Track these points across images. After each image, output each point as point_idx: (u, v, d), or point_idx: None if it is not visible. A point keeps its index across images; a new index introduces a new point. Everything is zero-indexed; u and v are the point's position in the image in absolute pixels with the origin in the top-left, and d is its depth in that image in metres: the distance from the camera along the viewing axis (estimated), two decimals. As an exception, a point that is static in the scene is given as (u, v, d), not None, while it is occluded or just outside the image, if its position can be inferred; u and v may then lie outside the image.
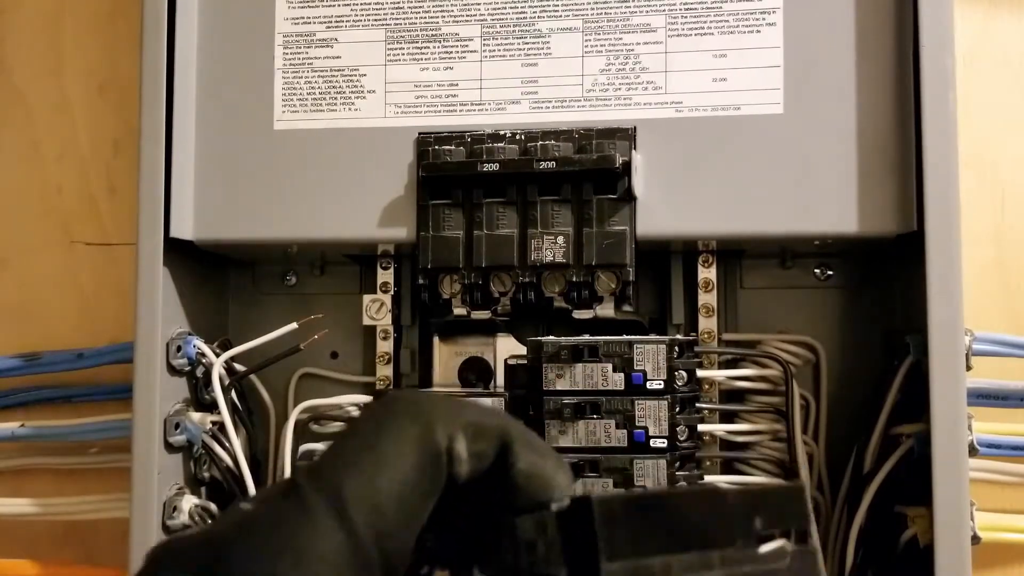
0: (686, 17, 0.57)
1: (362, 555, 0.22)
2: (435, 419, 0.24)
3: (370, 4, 0.59)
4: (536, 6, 0.58)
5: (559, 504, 0.23)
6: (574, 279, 0.56)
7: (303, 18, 0.60)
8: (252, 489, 0.59)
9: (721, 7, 0.56)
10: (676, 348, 0.55)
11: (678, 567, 0.23)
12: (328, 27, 0.60)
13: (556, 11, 0.58)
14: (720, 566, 0.23)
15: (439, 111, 0.58)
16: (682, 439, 0.55)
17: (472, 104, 0.58)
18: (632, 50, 0.57)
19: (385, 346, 0.64)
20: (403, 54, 0.59)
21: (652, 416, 0.54)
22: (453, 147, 0.57)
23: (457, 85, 0.58)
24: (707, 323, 0.60)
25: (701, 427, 0.57)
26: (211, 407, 0.61)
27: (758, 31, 0.56)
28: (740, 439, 0.59)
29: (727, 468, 0.60)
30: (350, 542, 0.22)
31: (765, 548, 0.24)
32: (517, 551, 0.23)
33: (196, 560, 0.22)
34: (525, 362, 0.56)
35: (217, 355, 0.60)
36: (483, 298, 0.57)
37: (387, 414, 0.25)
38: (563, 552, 0.22)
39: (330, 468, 0.24)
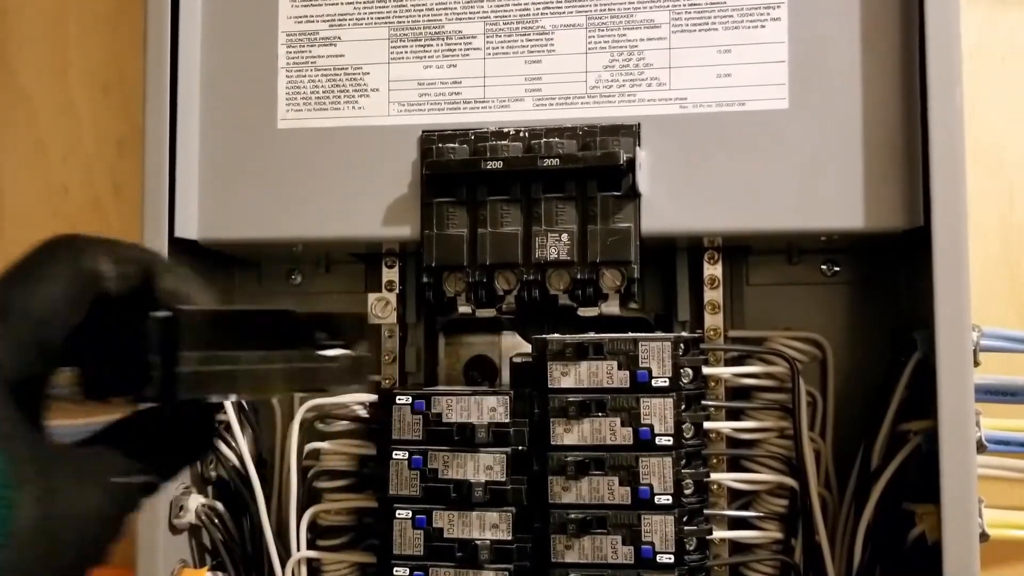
0: (690, 13, 0.56)
1: (15, 338, 0.29)
2: (83, 248, 0.32)
3: (373, 2, 0.59)
4: (539, 3, 0.58)
5: (164, 313, 0.29)
6: (579, 276, 0.56)
7: (306, 16, 0.60)
8: (258, 488, 0.59)
9: (725, 2, 0.56)
10: (681, 345, 0.54)
11: (244, 357, 0.31)
12: (331, 25, 0.60)
13: (559, 8, 0.57)
14: (280, 360, 0.32)
15: (443, 109, 0.58)
16: (688, 436, 0.54)
17: (476, 102, 0.58)
18: (636, 46, 0.57)
19: (390, 344, 0.64)
20: (406, 52, 0.59)
21: (657, 414, 0.53)
22: (457, 145, 0.57)
23: (460, 83, 0.58)
24: (713, 320, 0.60)
25: (707, 424, 0.57)
26: (217, 407, 0.61)
27: (763, 26, 0.56)
28: (746, 436, 0.59)
29: (733, 465, 0.60)
30: (8, 336, 0.29)
31: (326, 352, 0.33)
32: (131, 342, 0.30)
33: None
34: (530, 360, 0.56)
35: (222, 354, 0.60)
36: (488, 296, 0.57)
37: (43, 247, 0.33)
38: (159, 344, 0.29)
39: None
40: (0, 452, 0.28)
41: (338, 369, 0.35)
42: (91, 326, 0.31)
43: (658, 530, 0.53)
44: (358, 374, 0.37)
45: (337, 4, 0.60)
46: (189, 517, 0.59)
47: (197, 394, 0.30)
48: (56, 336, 0.31)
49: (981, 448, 0.54)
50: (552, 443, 0.55)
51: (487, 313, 0.58)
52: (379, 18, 0.59)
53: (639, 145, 0.56)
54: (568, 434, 0.54)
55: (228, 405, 0.59)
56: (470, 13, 0.58)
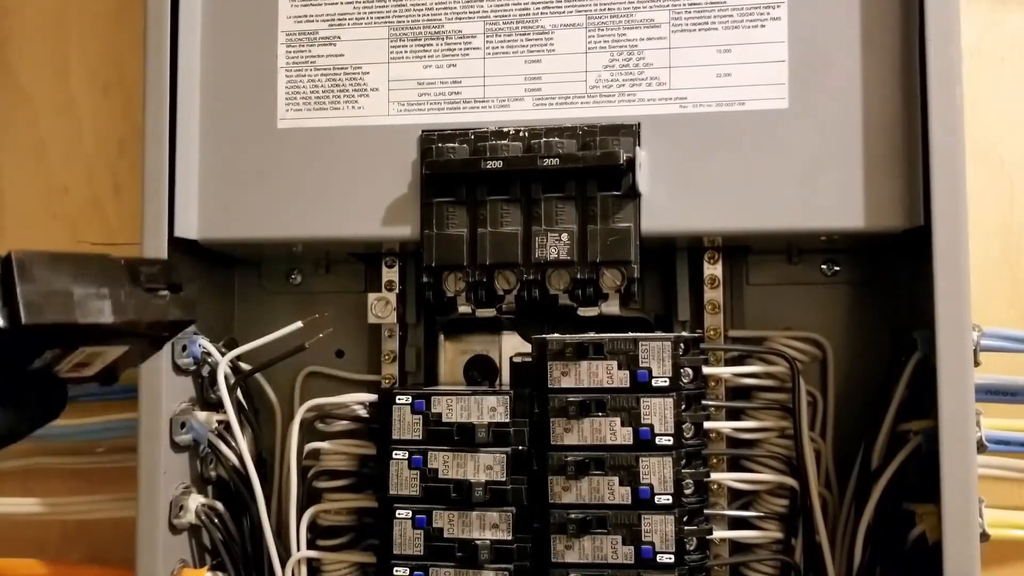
0: (690, 12, 0.56)
1: None
2: None
3: (372, 2, 0.59)
4: (539, 3, 0.58)
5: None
6: (579, 276, 0.56)
7: (306, 16, 0.60)
8: (258, 488, 0.59)
9: (725, 2, 0.56)
10: (682, 345, 0.54)
11: (79, 290, 0.35)
12: (331, 25, 0.60)
13: (559, 7, 0.57)
14: (109, 296, 0.37)
15: (442, 109, 0.58)
16: (688, 436, 0.54)
17: (475, 101, 0.58)
18: (636, 46, 0.57)
19: (391, 344, 0.64)
20: (406, 52, 0.59)
21: (658, 414, 0.53)
22: (457, 145, 0.57)
23: (460, 82, 0.58)
24: (713, 320, 0.60)
25: (707, 424, 0.57)
26: (217, 406, 0.61)
27: (763, 26, 0.56)
28: (747, 436, 0.59)
29: (734, 465, 0.60)
30: None
31: (152, 290, 0.39)
32: None
33: None
34: (530, 360, 0.56)
35: (222, 354, 0.60)
36: (487, 296, 0.57)
37: None
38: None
39: None
40: None
41: (166, 305, 0.40)
42: None
43: (658, 530, 0.53)
44: (186, 310, 0.43)
45: (337, 4, 0.60)
46: (189, 517, 0.59)
47: (39, 319, 0.34)
48: None
49: (981, 448, 0.54)
50: (552, 443, 0.55)
51: (487, 313, 0.58)
52: (379, 18, 0.59)
53: (639, 145, 0.56)
54: (568, 434, 0.54)
55: (227, 403, 0.59)
56: (470, 13, 0.58)
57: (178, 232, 0.59)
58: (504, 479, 0.55)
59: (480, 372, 0.64)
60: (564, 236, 0.56)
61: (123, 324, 0.39)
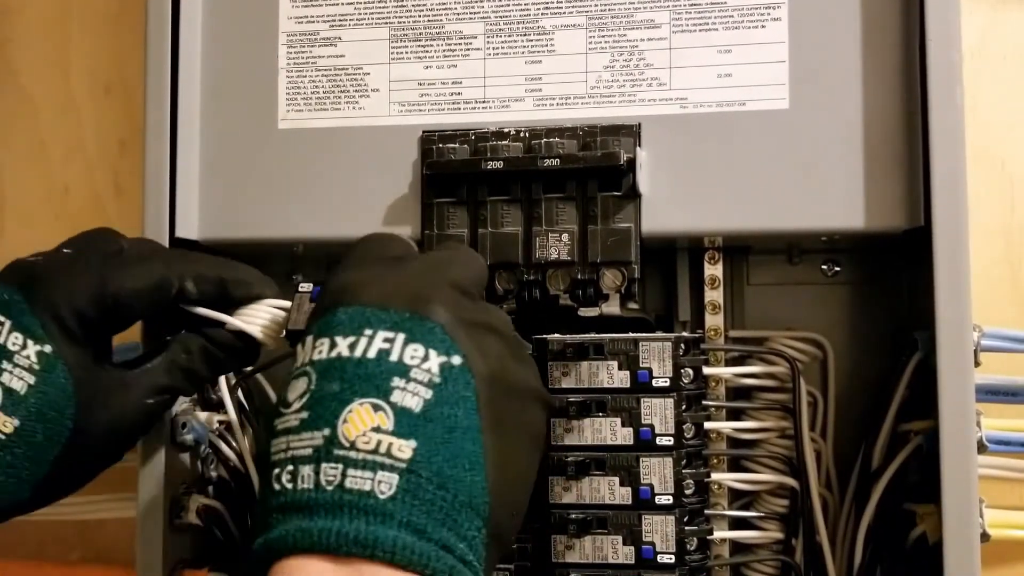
0: (690, 13, 0.56)
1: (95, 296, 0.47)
2: (172, 263, 0.49)
3: (373, 2, 0.59)
4: (540, 3, 0.58)
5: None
6: (579, 277, 0.56)
7: (307, 17, 0.60)
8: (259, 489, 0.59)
9: (725, 2, 0.56)
10: (682, 345, 0.54)
11: None
12: (332, 26, 0.60)
13: (560, 8, 0.57)
14: None
15: (443, 109, 0.58)
16: (688, 437, 0.54)
17: (476, 102, 0.58)
18: (636, 46, 0.57)
19: (391, 345, 0.64)
20: (407, 52, 0.59)
21: (658, 414, 0.53)
22: (457, 145, 0.57)
23: (461, 83, 0.58)
24: (714, 320, 0.60)
25: (708, 424, 0.57)
26: (218, 406, 0.61)
27: (763, 26, 0.56)
28: (747, 436, 0.59)
29: (734, 465, 0.60)
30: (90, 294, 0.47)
31: None
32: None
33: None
34: (531, 360, 0.56)
35: (223, 354, 0.60)
36: (488, 296, 0.57)
37: (149, 248, 0.52)
38: None
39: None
40: (70, 377, 0.46)
41: None
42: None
43: (659, 530, 0.53)
44: None
45: (337, 4, 0.60)
46: (190, 517, 0.59)
47: None
48: (127, 315, 0.48)
49: (982, 448, 0.54)
50: (552, 443, 0.55)
51: (487, 313, 0.58)
52: (379, 18, 0.59)
53: (639, 145, 0.56)
54: (568, 434, 0.54)
55: (228, 404, 0.59)
56: (470, 13, 0.58)
57: (179, 232, 0.59)
58: (504, 479, 0.55)
59: (481, 372, 0.64)
60: (564, 236, 0.56)
61: None
